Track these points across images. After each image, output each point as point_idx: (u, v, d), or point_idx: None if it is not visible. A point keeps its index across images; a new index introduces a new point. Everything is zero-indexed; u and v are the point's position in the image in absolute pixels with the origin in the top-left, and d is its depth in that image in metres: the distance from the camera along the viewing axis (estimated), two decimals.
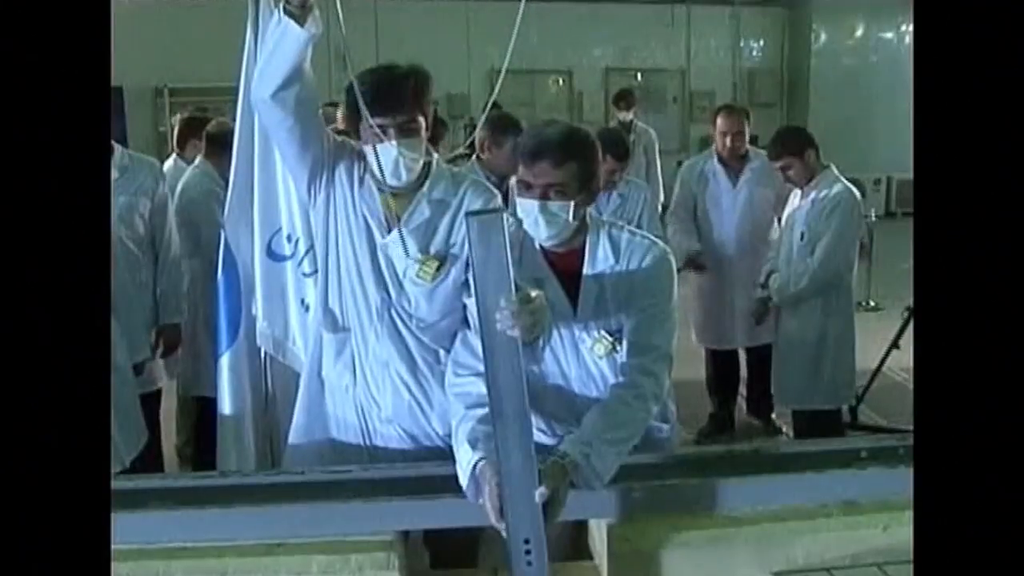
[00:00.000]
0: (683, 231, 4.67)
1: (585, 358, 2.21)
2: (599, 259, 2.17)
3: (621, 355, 2.14)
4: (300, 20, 2.01)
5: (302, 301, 2.82)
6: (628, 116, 7.67)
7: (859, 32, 12.94)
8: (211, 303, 3.50)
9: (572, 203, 2.09)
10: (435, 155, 2.35)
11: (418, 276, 2.30)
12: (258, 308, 2.86)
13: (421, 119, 2.26)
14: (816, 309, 4.00)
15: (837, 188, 3.98)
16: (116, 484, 2.15)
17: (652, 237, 2.26)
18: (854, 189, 4.05)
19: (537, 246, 2.19)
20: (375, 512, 2.05)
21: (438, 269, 2.29)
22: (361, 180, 2.32)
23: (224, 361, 2.94)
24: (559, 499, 1.85)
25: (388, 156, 2.22)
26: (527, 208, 2.10)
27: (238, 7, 3.06)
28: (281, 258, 2.86)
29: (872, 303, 7.46)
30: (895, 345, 4.78)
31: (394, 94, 2.20)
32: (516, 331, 1.76)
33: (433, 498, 2.06)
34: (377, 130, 2.18)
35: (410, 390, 2.36)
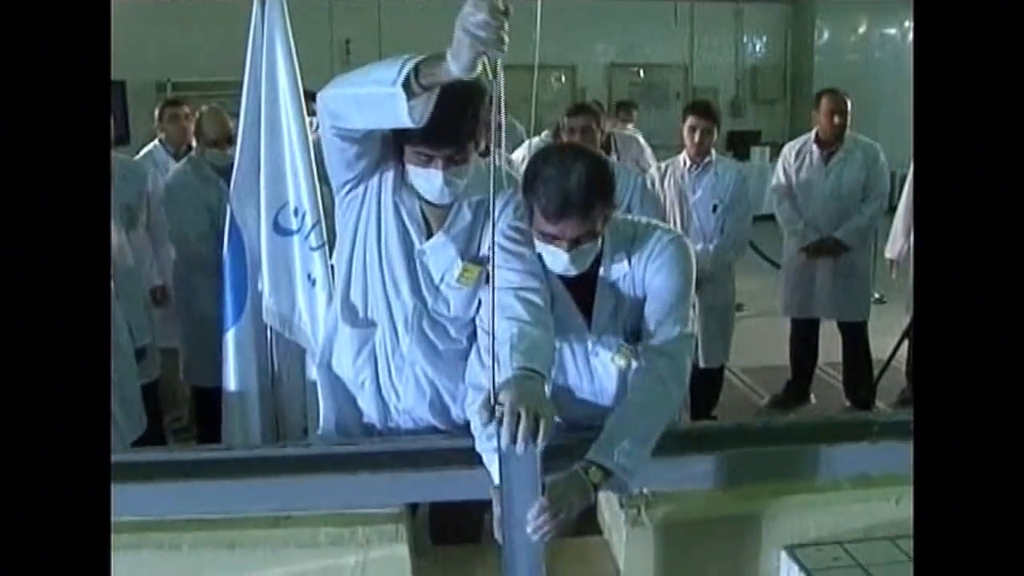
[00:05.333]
0: (791, 217, 4.94)
1: (598, 371, 2.17)
2: (613, 266, 2.10)
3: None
4: (413, 94, 1.77)
5: (308, 276, 2.81)
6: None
7: (862, 29, 12.92)
8: (204, 291, 3.53)
9: (599, 240, 2.03)
10: (475, 154, 2.20)
11: (459, 281, 2.21)
12: (264, 284, 2.85)
13: (471, 144, 2.12)
14: (726, 273, 4.51)
15: (730, 163, 4.60)
16: (123, 457, 2.15)
17: (662, 225, 2.21)
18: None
19: None
20: (383, 484, 2.03)
21: (481, 274, 2.19)
22: (403, 181, 2.19)
23: (229, 337, 2.94)
24: (561, 510, 1.78)
25: (432, 183, 2.11)
26: (555, 255, 2.00)
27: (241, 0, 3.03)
28: (288, 232, 2.84)
29: (876, 295, 7.43)
30: (906, 335, 4.77)
31: (445, 128, 2.01)
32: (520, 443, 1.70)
33: (441, 470, 2.05)
34: (421, 158, 2.09)
35: (433, 385, 2.29)
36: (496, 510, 1.85)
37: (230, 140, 3.63)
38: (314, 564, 1.97)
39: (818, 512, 2.06)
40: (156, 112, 4.80)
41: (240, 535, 1.97)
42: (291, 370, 2.93)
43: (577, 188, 1.93)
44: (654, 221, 2.23)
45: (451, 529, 2.33)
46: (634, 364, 2.10)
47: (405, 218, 2.19)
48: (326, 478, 2.04)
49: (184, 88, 10.35)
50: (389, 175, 2.19)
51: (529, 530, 1.75)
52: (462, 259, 2.20)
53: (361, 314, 2.29)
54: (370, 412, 2.35)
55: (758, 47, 13.03)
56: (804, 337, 5.10)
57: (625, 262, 2.09)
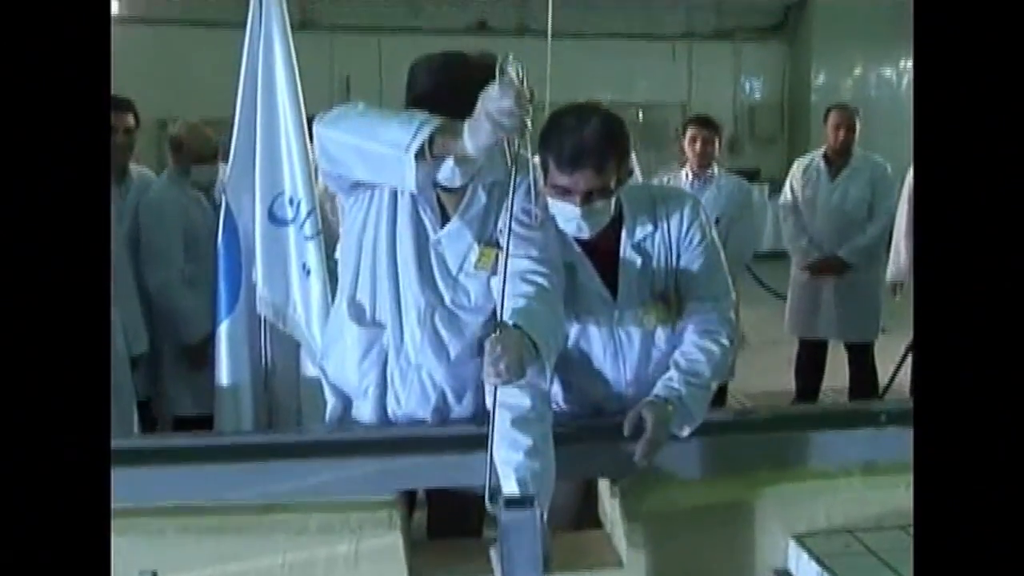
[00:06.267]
0: (795, 234, 4.87)
1: (622, 343, 2.13)
2: (637, 228, 2.08)
3: (683, 318, 2.11)
4: (422, 157, 1.72)
5: (303, 265, 2.77)
6: None
7: (858, 70, 13.02)
8: (177, 322, 3.46)
9: (614, 199, 2.01)
10: None
11: (477, 267, 2.09)
12: (258, 274, 2.81)
13: None
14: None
15: (733, 176, 4.63)
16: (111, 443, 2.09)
17: (674, 187, 2.22)
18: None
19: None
20: (376, 470, 1.98)
21: (497, 257, 2.06)
22: None
23: (223, 329, 2.89)
24: (659, 440, 1.90)
25: (445, 164, 1.94)
26: (568, 212, 1.97)
27: (243, 38, 2.99)
28: (283, 222, 2.81)
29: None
30: (908, 352, 4.71)
31: (459, 100, 1.82)
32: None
33: (436, 455, 1.99)
34: None
35: (439, 389, 2.17)
36: None
37: (215, 156, 3.59)
38: (305, 552, 1.91)
39: (827, 499, 2.01)
40: None
41: (227, 521, 1.92)
42: (285, 365, 2.89)
43: (592, 139, 1.92)
44: (665, 185, 2.23)
45: (449, 524, 2.25)
46: (660, 329, 2.10)
47: (420, 207, 2.09)
48: (317, 463, 1.98)
49: None
50: None
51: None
52: (479, 243, 2.10)
53: (368, 314, 2.17)
54: (370, 415, 2.26)
55: (756, 86, 13.13)
56: (810, 358, 5.01)
57: (649, 224, 2.09)
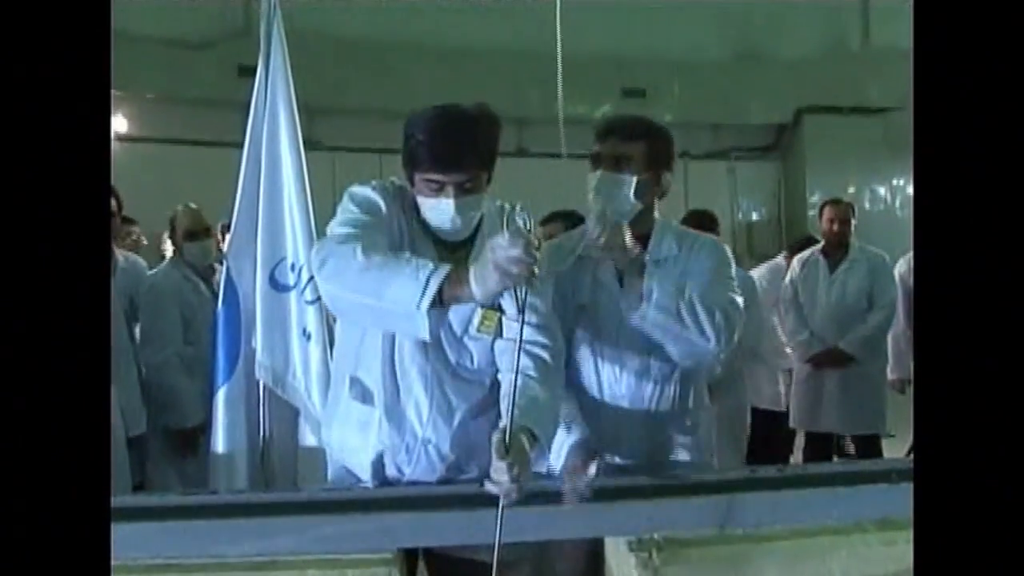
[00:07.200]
0: (796, 327, 4.87)
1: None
2: (663, 247, 2.26)
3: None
4: (432, 307, 1.74)
5: (304, 330, 2.75)
6: None
7: (852, 188, 13.24)
8: (171, 405, 3.49)
9: (635, 179, 2.20)
10: (487, 191, 2.09)
11: (480, 330, 2.06)
12: (258, 340, 2.79)
13: (484, 175, 2.02)
14: (737, 377, 4.47)
15: (737, 270, 4.50)
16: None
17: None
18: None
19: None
20: (375, 526, 1.93)
21: (500, 320, 2.05)
22: (414, 238, 2.06)
23: (220, 396, 2.85)
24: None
25: (443, 213, 1.99)
26: (593, 181, 2.22)
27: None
28: (284, 288, 2.81)
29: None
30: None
31: (454, 150, 1.93)
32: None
33: (436, 512, 1.94)
34: (432, 187, 1.98)
35: (445, 460, 2.12)
36: None
37: (207, 232, 3.73)
38: None
39: (841, 555, 1.93)
40: None
41: None
42: (283, 433, 2.83)
43: (626, 116, 2.30)
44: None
45: None
46: None
47: None
48: (314, 519, 1.93)
49: None
50: (398, 236, 2.06)
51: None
52: (480, 307, 2.06)
53: (371, 391, 2.13)
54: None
55: (752, 203, 13.35)
56: (816, 451, 4.93)
57: (675, 247, 2.26)
